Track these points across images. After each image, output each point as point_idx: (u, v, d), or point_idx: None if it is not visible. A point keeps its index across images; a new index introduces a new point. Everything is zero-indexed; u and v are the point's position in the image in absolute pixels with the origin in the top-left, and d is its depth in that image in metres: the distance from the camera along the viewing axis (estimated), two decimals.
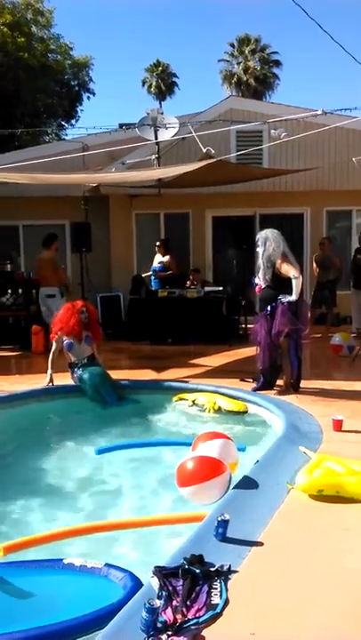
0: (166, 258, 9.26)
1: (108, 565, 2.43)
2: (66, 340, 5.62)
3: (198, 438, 3.56)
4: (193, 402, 5.25)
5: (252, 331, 5.80)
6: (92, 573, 2.42)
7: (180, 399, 5.37)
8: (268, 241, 5.40)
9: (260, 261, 5.41)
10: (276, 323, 5.27)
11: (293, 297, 5.24)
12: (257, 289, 5.61)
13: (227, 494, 3.12)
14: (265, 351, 5.40)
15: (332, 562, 2.48)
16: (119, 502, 3.56)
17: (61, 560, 2.52)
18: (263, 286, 5.46)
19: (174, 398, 5.41)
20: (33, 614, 2.25)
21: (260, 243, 5.45)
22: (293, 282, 5.24)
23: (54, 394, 5.56)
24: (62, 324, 5.64)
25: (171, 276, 9.20)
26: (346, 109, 7.76)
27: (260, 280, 5.50)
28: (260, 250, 5.43)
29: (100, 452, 4.26)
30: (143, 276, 9.49)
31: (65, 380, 5.88)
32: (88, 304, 6.02)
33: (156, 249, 9.34)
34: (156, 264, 9.32)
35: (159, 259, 9.32)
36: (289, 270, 5.30)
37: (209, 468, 3.16)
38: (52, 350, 5.68)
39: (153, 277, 9.31)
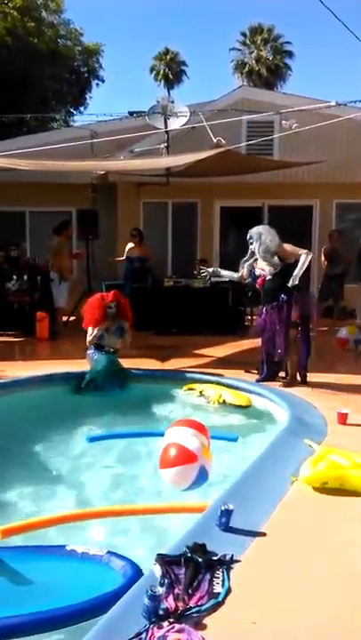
0: (130, 245, 9.10)
1: (110, 553, 2.43)
2: (97, 332, 5.68)
3: (173, 424, 3.54)
4: (200, 392, 5.25)
5: (257, 322, 5.78)
6: (94, 561, 2.42)
7: (190, 389, 5.38)
8: (262, 235, 5.42)
9: (258, 255, 5.41)
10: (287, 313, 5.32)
11: (298, 271, 5.22)
12: (259, 281, 5.58)
13: (230, 486, 3.11)
14: (279, 342, 5.37)
15: (335, 554, 2.47)
16: (111, 491, 3.55)
17: (64, 546, 2.53)
18: (269, 276, 5.44)
19: (184, 388, 5.41)
20: (33, 598, 2.26)
21: (254, 239, 5.44)
22: (303, 257, 5.24)
23: (56, 380, 5.54)
24: (89, 315, 5.73)
25: (149, 266, 9.12)
26: (359, 101, 7.70)
27: (263, 271, 5.48)
28: (255, 245, 5.42)
29: (92, 439, 4.25)
30: (117, 259, 9.34)
31: (69, 367, 5.89)
32: (121, 296, 5.92)
33: (131, 238, 9.16)
34: (128, 253, 9.15)
35: (130, 246, 9.15)
36: (296, 250, 5.33)
37: (178, 455, 3.09)
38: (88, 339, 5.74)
39: (128, 267, 9.15)
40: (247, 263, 5.63)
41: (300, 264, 5.24)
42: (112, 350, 5.72)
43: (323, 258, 9.03)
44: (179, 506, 3.17)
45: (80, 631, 1.95)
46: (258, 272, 5.57)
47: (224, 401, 5.02)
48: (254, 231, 5.51)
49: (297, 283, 5.23)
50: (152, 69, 34.93)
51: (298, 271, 5.23)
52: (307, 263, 5.28)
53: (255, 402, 5.03)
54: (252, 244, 5.47)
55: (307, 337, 5.50)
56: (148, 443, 4.20)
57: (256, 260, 5.53)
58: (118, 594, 2.09)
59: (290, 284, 5.24)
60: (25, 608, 2.07)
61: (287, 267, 5.33)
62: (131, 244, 9.17)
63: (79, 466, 3.96)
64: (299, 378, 5.48)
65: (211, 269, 6.05)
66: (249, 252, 5.59)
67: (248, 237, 5.54)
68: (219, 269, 6.01)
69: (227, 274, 5.97)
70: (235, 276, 5.89)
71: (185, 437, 3.16)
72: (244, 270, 5.69)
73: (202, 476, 3.07)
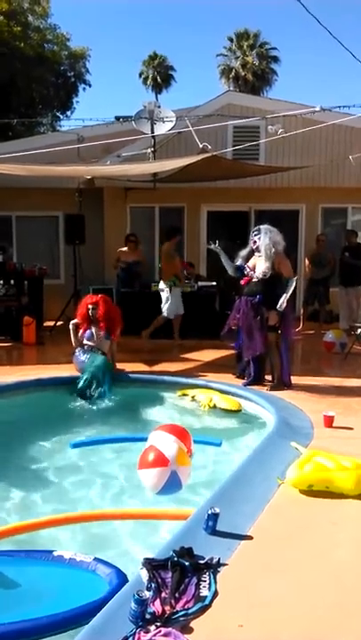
0: (126, 250, 9.05)
1: (97, 560, 2.43)
2: (87, 330, 5.80)
3: (157, 427, 3.55)
4: (192, 398, 5.27)
5: (232, 318, 5.75)
6: (81, 567, 2.42)
7: (184, 394, 5.39)
8: (271, 233, 5.45)
9: (261, 249, 5.40)
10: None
11: (286, 297, 5.31)
12: (244, 280, 5.56)
13: (218, 488, 3.12)
14: (256, 337, 5.41)
15: (321, 556, 2.49)
16: (95, 496, 3.55)
17: (52, 552, 2.52)
18: (255, 279, 5.44)
19: (178, 393, 5.43)
20: (18, 604, 2.25)
21: (262, 232, 5.44)
22: (292, 282, 5.38)
23: (44, 386, 5.52)
24: (78, 312, 5.95)
25: (142, 270, 9.12)
26: (344, 106, 7.77)
27: (252, 272, 5.47)
28: (261, 239, 5.40)
29: (75, 445, 4.24)
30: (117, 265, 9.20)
31: (56, 372, 5.86)
32: (105, 302, 5.94)
33: (128, 244, 9.06)
34: (125, 258, 9.05)
35: (126, 251, 9.05)
36: (290, 268, 5.43)
37: (151, 458, 3.13)
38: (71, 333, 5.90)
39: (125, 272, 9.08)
40: (242, 256, 5.61)
41: (288, 289, 5.33)
42: (101, 352, 5.74)
43: (306, 262, 9.11)
44: (165, 512, 3.16)
45: (65, 637, 1.95)
46: (247, 271, 5.55)
47: (215, 405, 5.04)
48: (264, 227, 5.52)
49: (284, 308, 5.31)
50: (141, 74, 35.04)
51: (286, 296, 5.31)
52: (292, 289, 5.39)
53: (244, 405, 5.05)
54: (258, 237, 5.42)
55: (286, 342, 5.54)
56: (131, 448, 4.18)
57: (250, 257, 5.53)
58: (103, 602, 2.09)
59: (278, 307, 5.30)
60: (8, 614, 2.06)
61: (274, 278, 5.37)
62: (127, 249, 9.14)
63: (62, 471, 3.93)
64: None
65: (217, 246, 5.76)
66: (248, 247, 5.57)
67: (255, 231, 5.51)
68: (222, 251, 5.76)
69: (224, 259, 5.75)
70: (229, 266, 5.72)
71: (162, 441, 3.18)
72: (237, 262, 5.64)
73: (174, 482, 3.07)
